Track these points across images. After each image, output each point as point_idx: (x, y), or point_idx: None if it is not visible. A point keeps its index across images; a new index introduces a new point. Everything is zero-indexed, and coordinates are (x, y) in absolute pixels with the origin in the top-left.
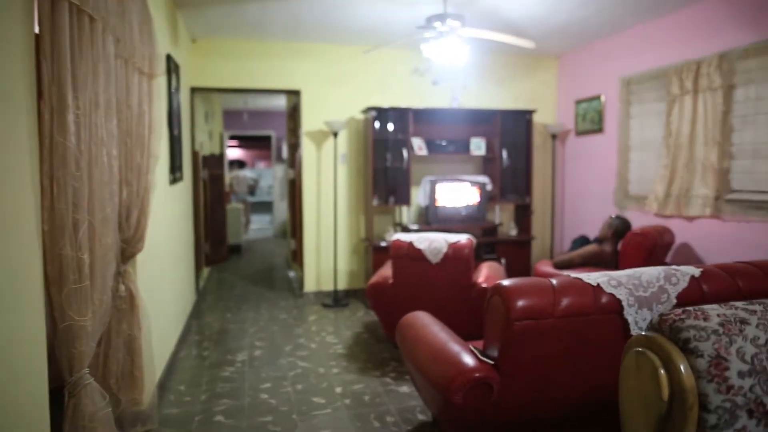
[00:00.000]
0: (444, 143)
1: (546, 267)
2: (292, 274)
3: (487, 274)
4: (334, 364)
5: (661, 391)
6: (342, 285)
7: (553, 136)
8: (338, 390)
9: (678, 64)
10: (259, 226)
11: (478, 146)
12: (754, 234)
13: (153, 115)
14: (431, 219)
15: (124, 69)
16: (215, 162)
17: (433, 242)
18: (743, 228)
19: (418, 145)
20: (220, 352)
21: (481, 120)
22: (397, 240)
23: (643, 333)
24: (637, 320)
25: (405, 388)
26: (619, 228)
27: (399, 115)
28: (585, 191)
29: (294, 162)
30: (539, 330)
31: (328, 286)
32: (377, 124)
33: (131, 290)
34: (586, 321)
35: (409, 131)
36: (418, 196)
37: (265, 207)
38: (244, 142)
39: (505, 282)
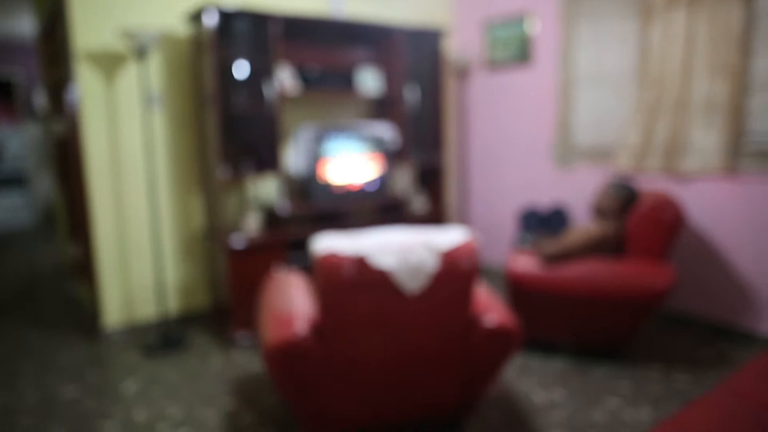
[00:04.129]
0: (324, 76)
1: (527, 264)
2: (74, 293)
3: (480, 297)
4: None
5: None
6: (172, 307)
7: (461, 71)
8: None
9: None
10: (8, 213)
11: (371, 80)
12: None
13: None
14: (315, 195)
15: None
16: None
17: (407, 253)
18: None
19: (287, 77)
20: None
21: (374, 42)
22: (331, 255)
23: None
24: None
25: None
26: (629, 198)
27: (256, 25)
28: (503, 147)
29: (62, 109)
30: None
31: (145, 312)
32: (217, 41)
33: None
34: None
35: (275, 53)
36: (290, 159)
37: (15, 182)
38: None
39: None
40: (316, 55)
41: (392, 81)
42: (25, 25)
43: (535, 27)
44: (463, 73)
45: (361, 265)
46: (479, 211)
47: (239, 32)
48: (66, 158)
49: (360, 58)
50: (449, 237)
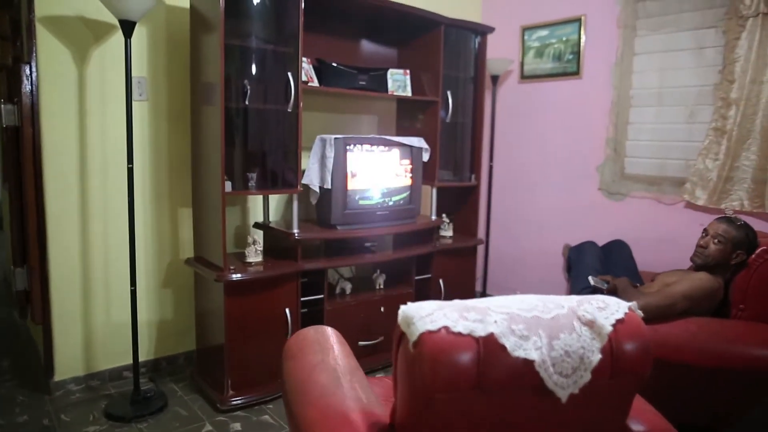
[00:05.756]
0: (344, 73)
1: None
2: (23, 326)
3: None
4: None
5: None
6: (145, 354)
7: (494, 79)
8: None
9: None
10: None
11: (400, 83)
12: None
13: None
14: (336, 216)
15: None
16: None
17: (560, 335)
18: None
19: (305, 70)
20: None
21: (406, 35)
22: (443, 332)
23: None
24: None
25: None
26: (750, 240)
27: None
28: (535, 170)
29: (15, 91)
30: None
31: (112, 360)
32: (226, 16)
33: None
34: None
35: (300, 36)
36: (308, 171)
37: None
38: None
39: None
40: (336, 49)
41: (424, 85)
42: None
43: (585, 33)
44: (493, 81)
45: (491, 350)
46: (499, 242)
47: (255, 7)
48: (16, 157)
49: (388, 55)
50: (610, 305)
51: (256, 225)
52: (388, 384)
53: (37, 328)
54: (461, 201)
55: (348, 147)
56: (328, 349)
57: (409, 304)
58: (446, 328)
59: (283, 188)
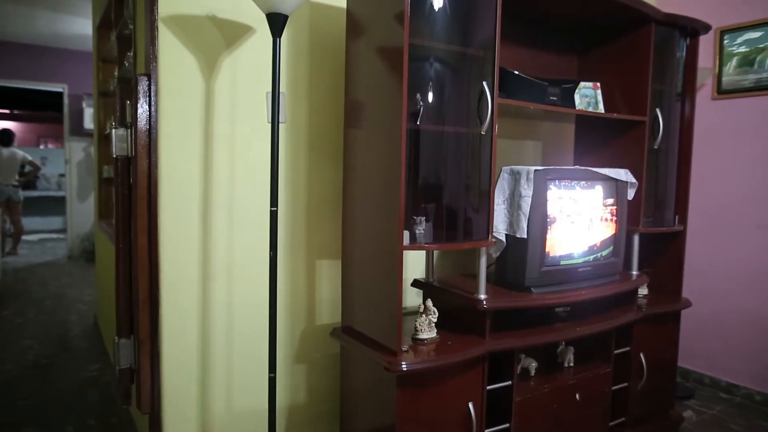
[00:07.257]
0: (541, 82)
1: None
2: (121, 402)
3: None
4: None
5: None
6: None
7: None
8: None
9: None
10: (43, 236)
11: (590, 99)
12: None
13: None
14: (531, 276)
15: None
16: None
17: None
18: None
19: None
20: None
21: (594, 37)
22: None
23: None
24: None
25: None
26: None
27: None
28: (743, 208)
29: (127, 115)
30: None
31: None
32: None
33: None
34: None
35: (497, 35)
36: (496, 217)
37: (52, 205)
38: (19, 108)
39: None
40: (505, 57)
41: (617, 101)
42: (78, 24)
43: None
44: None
45: None
46: (692, 301)
47: (436, 6)
48: (127, 195)
49: (563, 64)
50: None
51: (416, 283)
52: None
53: (139, 412)
54: (657, 250)
55: (551, 183)
56: None
57: None
58: None
59: (467, 240)
